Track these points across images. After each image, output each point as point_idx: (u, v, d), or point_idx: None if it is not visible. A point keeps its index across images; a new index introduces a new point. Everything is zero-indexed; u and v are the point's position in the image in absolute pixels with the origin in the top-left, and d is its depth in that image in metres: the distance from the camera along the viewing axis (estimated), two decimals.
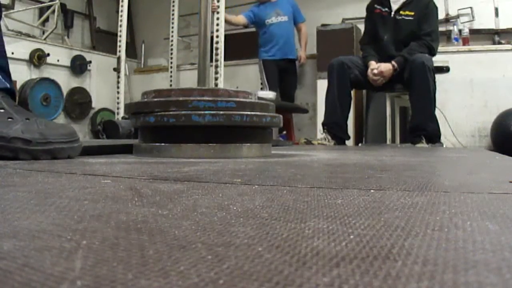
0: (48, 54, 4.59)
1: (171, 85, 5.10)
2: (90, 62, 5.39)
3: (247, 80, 4.81)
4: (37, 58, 4.48)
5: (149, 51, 6.11)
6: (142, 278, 0.20)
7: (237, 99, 1.24)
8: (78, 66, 5.28)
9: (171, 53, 5.30)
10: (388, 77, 2.89)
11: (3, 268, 0.21)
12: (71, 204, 0.40)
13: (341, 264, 0.22)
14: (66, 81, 5.13)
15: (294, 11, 4.24)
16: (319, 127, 3.31)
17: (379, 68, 2.88)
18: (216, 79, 3.55)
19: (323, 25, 4.44)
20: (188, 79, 5.17)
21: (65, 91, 5.10)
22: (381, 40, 2.99)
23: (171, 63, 5.29)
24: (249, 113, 1.22)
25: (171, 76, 5.22)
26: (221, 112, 1.18)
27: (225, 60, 3.66)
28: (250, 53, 4.90)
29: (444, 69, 3.58)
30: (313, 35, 4.50)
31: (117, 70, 5.15)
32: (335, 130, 2.98)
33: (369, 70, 2.92)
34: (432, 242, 0.26)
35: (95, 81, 5.50)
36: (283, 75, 4.16)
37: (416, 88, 2.77)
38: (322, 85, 3.60)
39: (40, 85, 4.37)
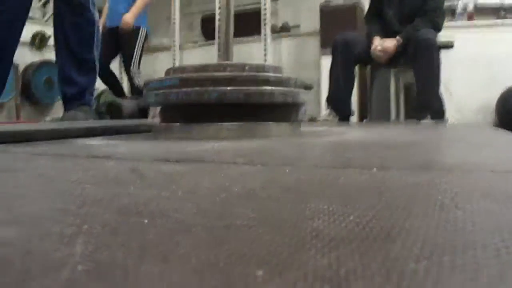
0: (50, 37, 4.55)
1: (174, 65, 5.06)
2: None
3: (251, 58, 4.75)
4: (39, 41, 4.43)
5: (151, 31, 6.06)
6: (142, 263, 0.20)
7: (264, 74, 1.17)
8: None
9: (174, 32, 5.25)
10: (392, 53, 2.87)
11: (4, 254, 0.21)
12: (72, 188, 0.40)
13: (340, 245, 0.22)
14: None
15: None
16: (323, 104, 3.30)
17: (383, 44, 2.86)
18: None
19: (326, 1, 4.39)
20: (193, 58, 5.15)
21: None
22: (386, 16, 2.96)
23: (174, 42, 5.24)
24: (275, 88, 1.14)
25: (174, 56, 5.19)
26: (246, 88, 1.10)
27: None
28: (254, 30, 4.86)
29: (449, 45, 3.54)
30: (316, 12, 4.45)
31: None
32: (340, 106, 2.98)
33: (373, 47, 2.90)
34: (432, 223, 0.26)
35: None
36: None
37: (421, 64, 2.74)
38: (326, 62, 3.57)
39: (42, 68, 4.34)
